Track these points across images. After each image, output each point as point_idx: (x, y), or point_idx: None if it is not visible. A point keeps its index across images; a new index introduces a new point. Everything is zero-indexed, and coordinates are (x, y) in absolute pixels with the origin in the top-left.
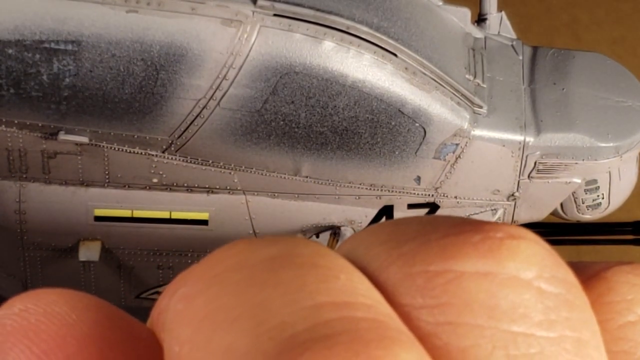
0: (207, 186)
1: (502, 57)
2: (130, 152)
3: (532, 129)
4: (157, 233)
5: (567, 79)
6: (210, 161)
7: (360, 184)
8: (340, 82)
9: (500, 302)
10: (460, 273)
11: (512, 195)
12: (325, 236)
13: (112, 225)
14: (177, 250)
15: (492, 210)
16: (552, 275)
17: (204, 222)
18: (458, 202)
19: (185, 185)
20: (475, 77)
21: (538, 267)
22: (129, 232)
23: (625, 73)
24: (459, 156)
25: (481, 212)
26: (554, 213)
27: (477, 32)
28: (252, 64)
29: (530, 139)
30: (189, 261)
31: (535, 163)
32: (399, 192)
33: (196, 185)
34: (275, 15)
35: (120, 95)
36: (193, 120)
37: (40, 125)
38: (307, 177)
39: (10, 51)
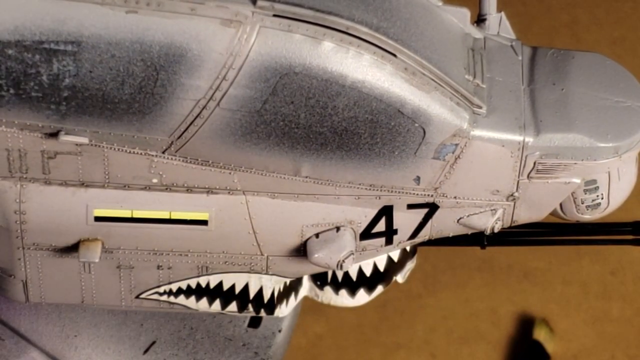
0: (206, 186)
1: (501, 57)
2: (130, 152)
3: (532, 129)
4: (157, 233)
5: (567, 79)
6: (210, 161)
7: (360, 184)
8: (339, 82)
9: None
10: None
11: (512, 195)
12: (325, 236)
13: (112, 226)
14: (177, 250)
15: (491, 210)
16: None
17: (204, 222)
18: (457, 202)
19: (185, 185)
20: (474, 77)
21: None
22: (129, 232)
23: (625, 73)
24: (459, 156)
25: (480, 212)
26: (554, 213)
27: (476, 33)
28: (251, 65)
29: (529, 139)
30: (189, 261)
31: (534, 163)
32: (399, 192)
33: (196, 186)
34: (274, 15)
35: (120, 96)
36: (193, 121)
37: (40, 125)
38: (306, 177)
39: (10, 52)
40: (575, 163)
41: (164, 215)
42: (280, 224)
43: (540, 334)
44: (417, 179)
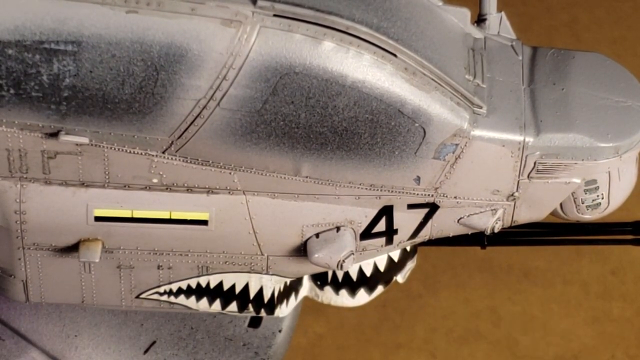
0: (207, 186)
1: (501, 57)
2: (130, 152)
3: (532, 129)
4: (157, 233)
5: (567, 79)
6: (210, 161)
7: (360, 184)
8: (340, 82)
9: None
10: None
11: (512, 195)
12: (325, 236)
13: (112, 225)
14: (177, 250)
15: (491, 210)
16: None
17: (204, 222)
18: (458, 202)
19: (185, 185)
20: (475, 77)
21: None
22: (129, 232)
23: (625, 73)
24: (459, 156)
25: (481, 212)
26: (554, 213)
27: (477, 33)
28: (252, 65)
29: (529, 139)
30: (189, 261)
31: (534, 163)
32: (399, 192)
33: (196, 186)
34: (275, 15)
35: (120, 96)
36: (193, 121)
37: (40, 125)
38: (307, 177)
39: (10, 52)
40: (575, 163)
41: (164, 215)
42: (280, 224)
43: None
44: (418, 179)
